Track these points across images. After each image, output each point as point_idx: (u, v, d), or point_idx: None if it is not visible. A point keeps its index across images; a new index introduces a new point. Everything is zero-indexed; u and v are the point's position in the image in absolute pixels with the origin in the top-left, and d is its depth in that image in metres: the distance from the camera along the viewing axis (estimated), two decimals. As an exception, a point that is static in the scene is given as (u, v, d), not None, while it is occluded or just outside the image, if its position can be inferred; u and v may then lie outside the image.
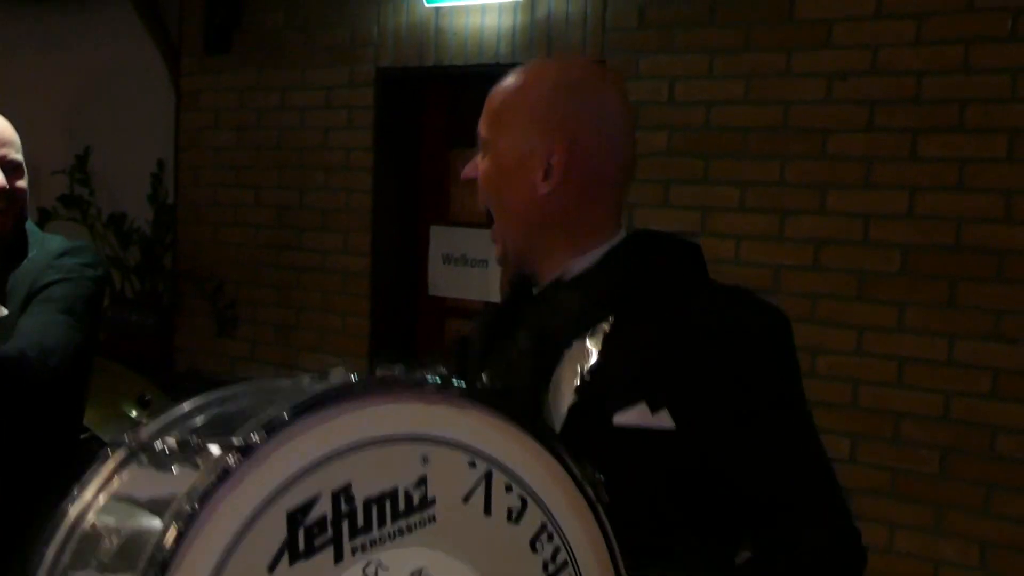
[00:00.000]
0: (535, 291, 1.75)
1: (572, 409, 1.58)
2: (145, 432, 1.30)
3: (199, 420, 1.31)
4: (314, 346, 5.81)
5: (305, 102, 5.83)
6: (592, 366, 1.60)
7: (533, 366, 1.64)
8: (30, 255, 2.67)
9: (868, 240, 4.22)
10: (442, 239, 5.55)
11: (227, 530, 1.11)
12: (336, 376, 1.26)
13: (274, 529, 1.14)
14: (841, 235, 4.28)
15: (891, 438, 4.18)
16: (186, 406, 1.34)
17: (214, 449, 1.14)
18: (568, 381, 1.61)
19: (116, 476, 1.27)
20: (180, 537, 1.08)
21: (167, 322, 6.40)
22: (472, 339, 1.86)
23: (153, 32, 6.40)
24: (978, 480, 4.01)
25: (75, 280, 2.62)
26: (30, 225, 2.77)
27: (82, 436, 4.11)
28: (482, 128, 1.75)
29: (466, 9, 5.24)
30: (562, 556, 1.31)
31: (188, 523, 1.09)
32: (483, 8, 5.18)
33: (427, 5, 5.32)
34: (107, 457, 1.29)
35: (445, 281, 5.54)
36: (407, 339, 5.72)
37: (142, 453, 1.27)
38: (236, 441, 1.13)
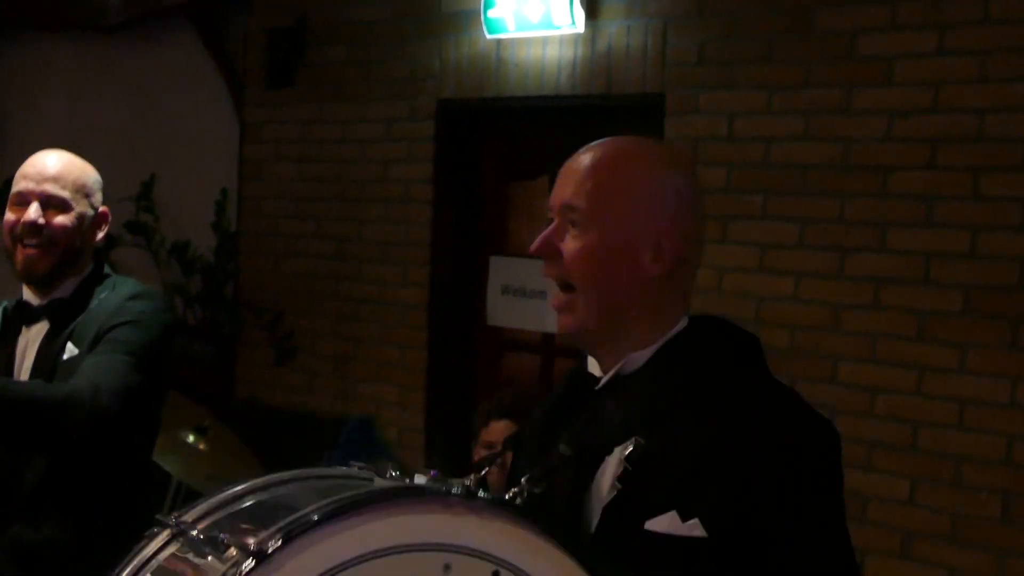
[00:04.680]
0: (598, 387, 1.68)
1: (606, 511, 1.56)
2: (191, 515, 1.33)
3: (245, 505, 1.33)
4: (372, 378, 5.83)
5: (366, 135, 5.87)
6: (631, 472, 1.57)
7: (575, 473, 1.60)
8: (100, 297, 2.74)
9: (929, 280, 4.16)
10: (501, 270, 5.55)
11: None
12: (387, 477, 1.28)
13: None
14: (901, 274, 4.22)
15: (952, 481, 4.10)
16: (238, 488, 1.36)
17: (231, 551, 1.16)
18: (607, 486, 1.59)
19: (157, 556, 1.31)
20: None
21: (227, 351, 6.46)
22: (527, 433, 1.79)
23: (219, 65, 6.51)
24: (1042, 526, 3.93)
25: (143, 324, 2.68)
26: (107, 270, 2.84)
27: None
28: (576, 199, 1.65)
29: (527, 41, 5.25)
30: None
31: None
32: (544, 40, 5.19)
33: (488, 37, 5.34)
34: (152, 536, 1.33)
35: (503, 312, 5.53)
36: (466, 372, 5.72)
37: (182, 536, 1.30)
38: (252, 545, 1.14)
